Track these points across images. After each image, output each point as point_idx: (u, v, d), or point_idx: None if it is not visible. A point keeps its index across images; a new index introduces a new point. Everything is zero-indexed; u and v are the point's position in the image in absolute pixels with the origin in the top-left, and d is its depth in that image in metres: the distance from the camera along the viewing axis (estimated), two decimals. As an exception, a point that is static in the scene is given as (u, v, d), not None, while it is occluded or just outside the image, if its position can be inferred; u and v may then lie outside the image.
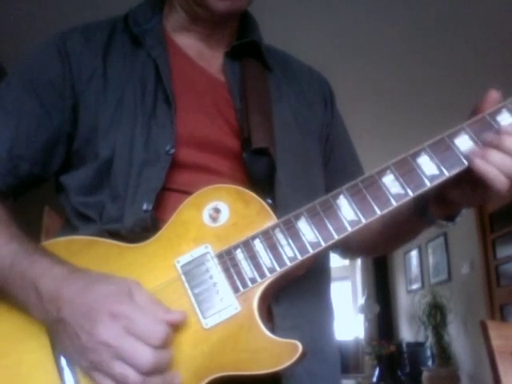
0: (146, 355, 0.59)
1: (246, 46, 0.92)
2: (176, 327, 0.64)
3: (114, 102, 0.82)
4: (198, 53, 0.91)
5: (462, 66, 3.62)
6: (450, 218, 0.79)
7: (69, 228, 0.82)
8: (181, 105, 0.82)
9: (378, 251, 1.06)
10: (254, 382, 0.65)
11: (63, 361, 0.65)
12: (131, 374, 0.59)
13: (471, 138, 0.70)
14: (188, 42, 0.91)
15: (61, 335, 0.63)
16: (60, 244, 0.74)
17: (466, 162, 0.69)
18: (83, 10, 2.89)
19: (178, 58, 0.88)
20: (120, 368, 0.59)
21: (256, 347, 0.64)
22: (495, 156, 0.67)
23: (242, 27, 0.95)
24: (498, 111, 0.71)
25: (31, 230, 0.74)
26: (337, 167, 0.97)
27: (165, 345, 0.61)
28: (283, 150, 0.84)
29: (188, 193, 0.75)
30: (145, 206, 0.74)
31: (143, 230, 0.73)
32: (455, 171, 0.69)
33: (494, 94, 0.72)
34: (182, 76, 0.86)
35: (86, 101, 0.82)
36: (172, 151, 0.77)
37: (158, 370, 0.60)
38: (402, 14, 3.08)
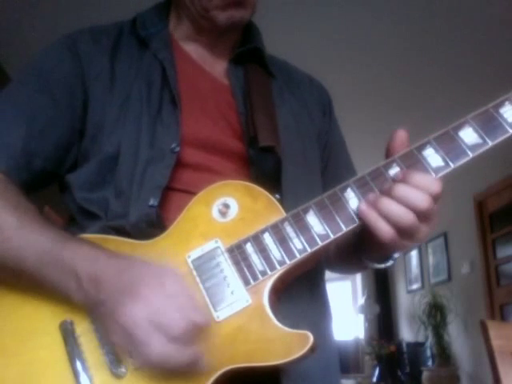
0: (154, 346, 0.59)
1: (249, 53, 0.94)
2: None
3: (120, 101, 0.83)
4: (203, 58, 0.93)
5: (462, 65, 3.63)
6: (388, 258, 0.79)
7: (74, 227, 0.82)
8: (185, 107, 0.84)
9: (341, 271, 1.05)
10: (254, 382, 0.65)
11: (76, 357, 0.66)
12: (141, 359, 0.60)
13: (475, 130, 0.71)
14: (193, 48, 0.93)
15: (100, 317, 0.65)
16: None
17: (470, 154, 0.70)
18: (84, 10, 2.90)
19: (183, 61, 0.90)
20: (133, 350, 0.61)
21: (268, 338, 0.65)
22: (384, 201, 0.66)
23: (245, 35, 0.98)
24: (501, 104, 0.71)
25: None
26: (332, 175, 0.99)
27: (185, 340, 0.60)
28: (286, 152, 0.86)
29: (191, 192, 0.76)
30: (151, 202, 0.75)
31: (148, 225, 0.75)
32: (460, 162, 0.70)
33: (401, 134, 0.72)
34: (187, 79, 0.88)
35: (94, 98, 0.84)
36: (177, 149, 0.79)
37: (169, 364, 0.60)
38: (402, 13, 3.09)
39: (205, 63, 0.92)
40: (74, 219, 0.84)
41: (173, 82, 0.84)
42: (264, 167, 0.83)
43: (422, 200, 0.66)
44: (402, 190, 0.66)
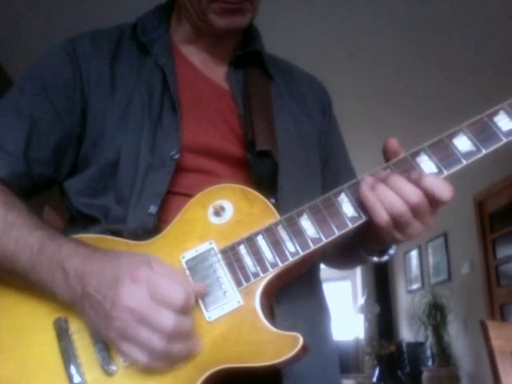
0: (167, 318, 0.60)
1: (249, 56, 0.95)
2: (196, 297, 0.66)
3: (122, 107, 0.84)
4: (203, 62, 0.93)
5: (462, 66, 3.63)
6: (384, 252, 0.83)
7: (73, 229, 0.83)
8: (186, 112, 0.84)
9: (337, 266, 1.07)
10: (255, 382, 0.66)
11: (69, 355, 0.67)
12: (156, 338, 0.60)
13: (469, 138, 0.71)
14: (193, 52, 0.94)
15: (87, 311, 0.65)
16: None
17: (464, 161, 0.70)
18: (84, 10, 2.91)
19: (183, 66, 0.91)
20: (144, 332, 0.60)
21: (258, 339, 0.65)
22: (380, 187, 0.69)
23: (245, 37, 0.98)
24: (495, 113, 0.72)
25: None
26: (331, 174, 1.00)
27: (186, 310, 0.63)
28: (285, 155, 0.86)
29: (191, 196, 0.77)
30: (150, 209, 0.77)
31: (145, 232, 0.76)
32: (453, 169, 0.71)
33: (392, 143, 0.74)
34: (188, 84, 0.89)
35: (94, 105, 0.84)
36: (176, 156, 0.80)
37: (181, 335, 0.62)
38: (403, 14, 3.09)
39: (205, 67, 0.93)
40: (74, 221, 0.85)
41: (173, 89, 0.84)
42: (262, 171, 0.84)
43: (413, 194, 0.68)
44: (396, 179, 0.69)
